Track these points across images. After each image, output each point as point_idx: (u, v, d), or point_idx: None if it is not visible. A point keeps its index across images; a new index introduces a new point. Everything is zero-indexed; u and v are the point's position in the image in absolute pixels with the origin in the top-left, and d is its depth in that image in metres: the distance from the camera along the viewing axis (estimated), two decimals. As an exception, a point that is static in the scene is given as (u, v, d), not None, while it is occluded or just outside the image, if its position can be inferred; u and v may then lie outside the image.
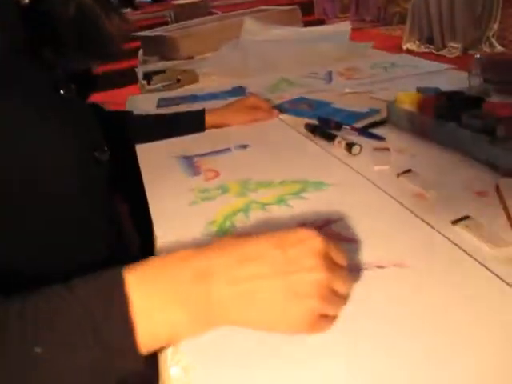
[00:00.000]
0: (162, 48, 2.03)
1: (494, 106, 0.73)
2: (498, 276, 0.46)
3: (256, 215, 0.60)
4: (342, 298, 0.41)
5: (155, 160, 0.85)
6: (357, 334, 0.40)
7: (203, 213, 0.62)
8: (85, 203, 0.60)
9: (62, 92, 0.56)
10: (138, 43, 2.20)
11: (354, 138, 0.83)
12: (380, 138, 0.81)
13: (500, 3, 5.02)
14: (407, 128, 0.83)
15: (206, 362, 0.39)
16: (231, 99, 1.07)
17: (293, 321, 0.37)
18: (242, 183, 0.69)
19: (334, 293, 0.39)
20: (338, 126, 0.87)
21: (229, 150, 0.84)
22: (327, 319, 0.40)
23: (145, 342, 0.35)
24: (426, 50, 5.32)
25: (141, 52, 2.22)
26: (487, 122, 0.70)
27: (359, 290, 0.45)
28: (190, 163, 0.80)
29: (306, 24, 4.43)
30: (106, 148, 0.60)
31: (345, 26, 2.16)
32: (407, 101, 0.84)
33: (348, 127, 0.86)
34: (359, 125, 0.89)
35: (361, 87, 1.18)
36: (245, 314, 0.37)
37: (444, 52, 5.15)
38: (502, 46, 5.06)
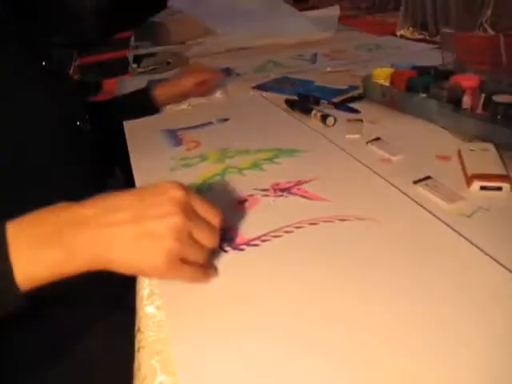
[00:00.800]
0: (153, 33, 2.05)
1: (459, 78, 0.76)
2: (451, 227, 0.50)
3: (232, 178, 0.64)
4: (203, 247, 0.43)
5: (141, 134, 0.89)
6: (320, 281, 0.44)
7: (182, 177, 0.66)
8: (72, 175, 0.64)
9: (44, 63, 0.60)
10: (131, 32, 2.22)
11: (332, 111, 0.87)
12: (355, 111, 0.85)
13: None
14: (380, 101, 0.87)
15: (178, 304, 0.43)
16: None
17: (151, 261, 0.40)
18: (220, 151, 0.73)
19: (194, 239, 0.41)
20: (317, 101, 0.91)
21: (211, 123, 0.88)
22: (189, 264, 0.42)
23: (23, 280, 0.39)
24: (420, 36, 5.35)
25: (132, 38, 2.24)
26: (452, 93, 0.74)
27: (320, 240, 0.49)
28: (174, 135, 0.84)
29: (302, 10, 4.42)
30: (87, 117, 0.64)
31: (334, 10, 2.19)
32: (381, 75, 0.87)
33: (325, 102, 0.90)
34: (341, 98, 0.93)
35: (343, 66, 1.22)
36: (110, 255, 0.40)
37: (437, 38, 5.17)
38: (496, 31, 5.10)
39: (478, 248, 0.46)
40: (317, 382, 0.33)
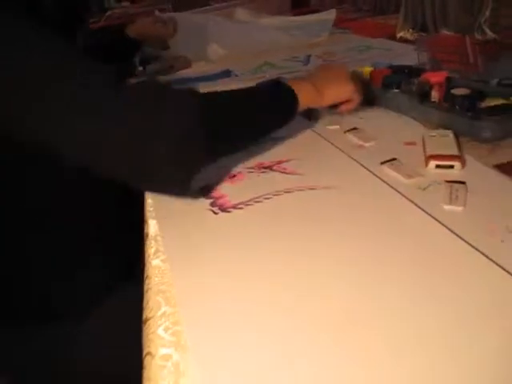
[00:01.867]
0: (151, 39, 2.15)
1: (428, 75, 0.86)
2: (407, 198, 0.60)
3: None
4: None
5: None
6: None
7: None
8: None
9: None
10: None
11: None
12: (337, 105, 0.95)
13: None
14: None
15: (178, 257, 0.54)
16: (220, 80, 1.24)
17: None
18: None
19: None
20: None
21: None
22: None
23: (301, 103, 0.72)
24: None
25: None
26: (421, 88, 0.84)
27: (293, 204, 0.60)
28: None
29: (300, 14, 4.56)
30: None
31: (329, 14, 2.28)
32: (362, 73, 0.98)
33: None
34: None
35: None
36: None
37: (436, 39, 5.26)
38: (494, 32, 5.18)
39: (427, 213, 0.56)
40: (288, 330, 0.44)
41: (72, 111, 0.50)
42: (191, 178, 0.55)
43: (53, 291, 0.71)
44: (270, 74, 1.33)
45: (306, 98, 0.74)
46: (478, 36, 5.69)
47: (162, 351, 0.42)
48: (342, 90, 0.82)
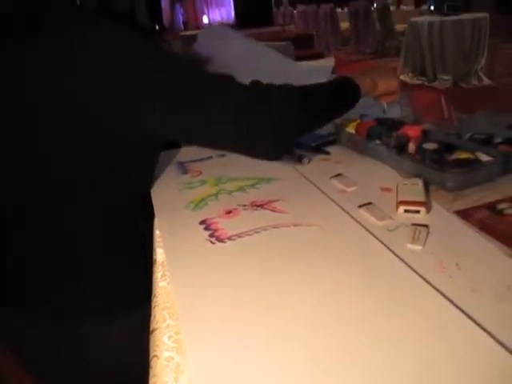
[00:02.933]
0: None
1: (406, 129, 0.98)
2: (377, 238, 0.71)
3: (223, 197, 0.87)
4: None
5: (160, 164, 1.11)
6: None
7: (186, 196, 0.90)
8: None
9: None
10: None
11: (309, 153, 1.09)
12: (326, 153, 1.07)
13: (487, 40, 5.34)
14: (348, 145, 1.09)
15: (181, 280, 0.65)
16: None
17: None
18: (216, 179, 0.96)
19: None
20: (298, 145, 1.13)
21: (211, 157, 1.11)
22: None
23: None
24: (419, 82, 5.65)
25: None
26: (398, 141, 0.96)
27: (278, 238, 0.71)
28: (183, 166, 1.07)
29: (306, 58, 4.78)
30: None
31: (329, 61, 2.44)
32: (350, 125, 1.10)
33: (305, 146, 1.12)
34: (318, 143, 1.15)
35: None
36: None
37: (435, 84, 5.45)
38: (490, 79, 5.38)
39: (391, 251, 0.67)
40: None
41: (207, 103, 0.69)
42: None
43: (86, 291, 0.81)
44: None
45: (364, 88, 0.95)
46: (474, 82, 5.91)
47: (166, 354, 0.52)
48: (390, 84, 1.02)
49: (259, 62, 2.11)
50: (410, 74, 5.80)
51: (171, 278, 0.65)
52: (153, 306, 0.62)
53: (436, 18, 5.44)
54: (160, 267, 0.69)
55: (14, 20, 0.68)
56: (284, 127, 0.75)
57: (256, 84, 0.76)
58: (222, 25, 2.18)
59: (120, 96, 0.66)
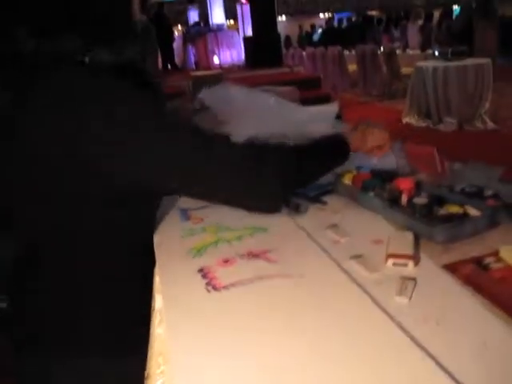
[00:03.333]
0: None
1: (399, 181, 1.03)
2: (364, 290, 0.75)
3: (222, 246, 0.92)
4: None
5: (164, 209, 1.17)
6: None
7: (188, 243, 0.95)
8: None
9: None
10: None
11: (307, 202, 1.14)
12: (324, 203, 1.12)
13: (491, 84, 5.44)
14: (345, 195, 1.13)
15: (176, 327, 0.68)
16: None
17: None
18: (216, 227, 1.01)
19: None
20: (296, 194, 1.18)
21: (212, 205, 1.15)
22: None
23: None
24: (424, 124, 5.72)
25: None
26: (391, 193, 1.00)
27: (269, 287, 0.75)
28: (185, 213, 1.11)
29: (312, 99, 4.90)
30: None
31: (333, 107, 2.50)
32: (347, 177, 1.14)
33: (303, 195, 1.17)
34: (316, 192, 1.20)
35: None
36: None
37: (440, 126, 5.53)
38: (494, 122, 5.45)
39: (377, 304, 0.71)
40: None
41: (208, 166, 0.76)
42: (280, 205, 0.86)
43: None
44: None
45: (354, 144, 1.01)
46: (479, 125, 5.98)
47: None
48: (380, 138, 1.05)
49: (262, 109, 2.19)
50: (416, 117, 5.89)
51: (166, 325, 0.69)
52: (149, 352, 0.66)
53: (440, 63, 5.56)
54: (158, 314, 0.73)
55: (18, 70, 0.74)
56: (282, 190, 0.83)
57: (252, 146, 0.82)
58: (224, 84, 2.26)
59: (131, 162, 0.72)
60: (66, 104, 0.70)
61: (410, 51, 8.89)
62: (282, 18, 21.65)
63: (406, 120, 5.97)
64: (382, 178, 1.09)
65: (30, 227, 0.81)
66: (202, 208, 1.15)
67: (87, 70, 0.77)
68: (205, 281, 0.79)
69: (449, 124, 5.46)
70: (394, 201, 0.99)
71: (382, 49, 8.68)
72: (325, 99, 5.75)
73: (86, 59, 0.79)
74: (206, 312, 0.71)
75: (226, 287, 0.77)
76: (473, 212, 0.94)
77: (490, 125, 5.36)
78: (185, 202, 1.21)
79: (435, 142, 4.17)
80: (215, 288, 0.77)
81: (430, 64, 5.76)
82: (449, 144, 4.67)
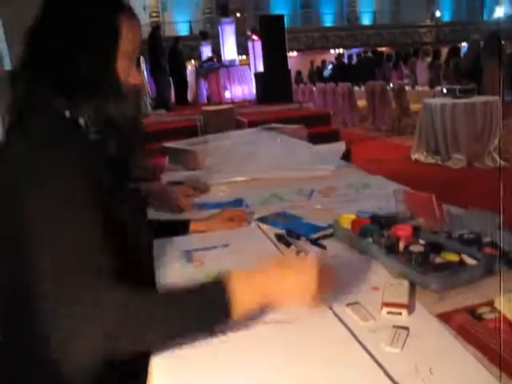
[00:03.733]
0: (184, 158, 2.43)
1: (397, 228, 1.05)
2: (357, 339, 0.76)
3: None
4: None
5: (167, 252, 1.19)
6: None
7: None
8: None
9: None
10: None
11: (307, 245, 1.16)
12: (323, 247, 1.14)
13: (500, 121, 5.47)
14: (343, 240, 1.16)
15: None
16: (231, 208, 1.46)
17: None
18: (217, 272, 1.02)
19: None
20: (298, 237, 1.21)
21: (215, 247, 1.18)
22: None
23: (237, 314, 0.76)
24: (433, 161, 5.74)
25: (167, 159, 2.63)
26: (389, 240, 1.02)
27: (264, 338, 0.77)
28: (188, 255, 1.14)
29: (321, 135, 4.96)
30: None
31: (340, 146, 2.55)
32: (346, 221, 1.17)
33: (304, 238, 1.20)
34: (316, 235, 1.22)
35: (330, 205, 1.52)
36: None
37: (449, 163, 5.54)
38: (505, 160, 5.45)
39: (368, 352, 0.72)
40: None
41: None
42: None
43: None
44: (275, 207, 1.53)
45: (248, 301, 0.78)
46: (488, 162, 5.99)
47: None
48: (296, 296, 0.81)
49: (269, 148, 2.24)
50: (425, 153, 5.92)
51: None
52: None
53: (448, 101, 5.62)
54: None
55: None
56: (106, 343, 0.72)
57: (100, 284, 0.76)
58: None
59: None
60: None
61: (419, 87, 8.97)
62: (293, 53, 22.03)
63: (414, 156, 5.99)
64: (381, 224, 1.11)
65: None
66: (205, 250, 1.18)
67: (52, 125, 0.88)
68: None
69: (457, 161, 5.48)
70: (391, 248, 1.01)
71: (391, 85, 8.78)
72: (334, 135, 5.81)
73: (67, 113, 0.90)
74: (202, 357, 0.73)
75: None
76: (469, 260, 0.95)
77: (500, 162, 5.37)
78: (190, 242, 1.25)
79: (443, 178, 4.19)
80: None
81: (438, 101, 5.82)
82: (457, 181, 4.69)
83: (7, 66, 3.81)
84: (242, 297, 0.77)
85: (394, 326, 0.79)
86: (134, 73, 0.99)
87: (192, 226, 1.33)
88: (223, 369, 0.71)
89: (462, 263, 0.94)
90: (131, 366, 0.91)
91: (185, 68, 11.29)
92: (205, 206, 1.62)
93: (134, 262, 0.94)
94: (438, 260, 0.95)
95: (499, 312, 0.82)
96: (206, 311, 0.77)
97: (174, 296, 0.79)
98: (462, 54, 8.66)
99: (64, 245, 0.76)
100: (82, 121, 0.90)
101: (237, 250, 1.17)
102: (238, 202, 1.65)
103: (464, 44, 12.62)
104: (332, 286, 0.82)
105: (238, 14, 14.93)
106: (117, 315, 0.72)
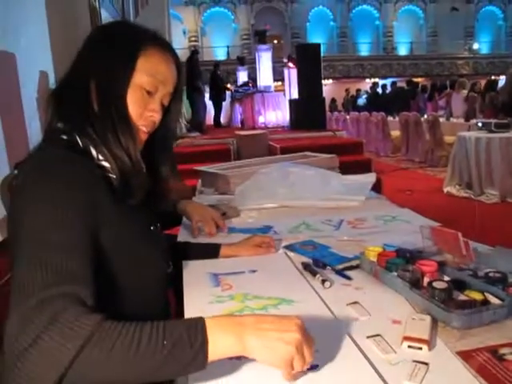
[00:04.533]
0: (216, 182, 2.49)
1: (422, 263, 1.07)
2: (377, 371, 0.78)
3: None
4: (306, 360, 0.73)
5: (195, 273, 1.23)
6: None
7: (216, 309, 1.01)
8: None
9: (152, 228, 1.00)
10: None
11: (333, 275, 1.18)
12: (348, 278, 1.16)
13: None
14: (369, 272, 1.18)
15: None
16: (259, 233, 1.49)
17: (278, 357, 0.71)
18: (244, 295, 1.07)
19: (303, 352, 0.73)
20: (324, 266, 1.23)
21: (243, 272, 1.22)
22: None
23: (211, 357, 0.70)
24: (465, 195, 5.67)
25: (199, 182, 2.70)
26: (413, 275, 1.04)
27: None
28: (216, 278, 1.18)
29: (354, 163, 4.96)
30: (170, 263, 1.04)
31: (370, 177, 2.57)
32: (371, 254, 1.19)
33: (330, 268, 1.22)
34: (342, 266, 1.25)
35: (358, 236, 1.54)
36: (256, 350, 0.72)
37: (482, 198, 5.46)
38: (538, 197, 5.35)
39: (388, 385, 0.74)
40: None
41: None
42: None
43: None
44: (304, 235, 1.57)
45: (222, 348, 0.72)
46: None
47: None
48: (275, 352, 0.72)
49: (301, 176, 2.27)
50: (457, 186, 5.86)
51: None
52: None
53: (483, 134, 5.58)
54: None
55: None
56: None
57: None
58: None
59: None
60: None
61: (453, 120, 8.91)
62: (328, 81, 22.19)
63: (447, 189, 5.94)
64: (407, 258, 1.13)
65: None
66: (233, 274, 1.21)
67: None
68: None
69: (491, 196, 5.40)
70: (415, 282, 1.02)
71: (425, 116, 8.75)
72: (366, 164, 5.82)
73: (78, 140, 0.94)
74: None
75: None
76: (493, 300, 0.96)
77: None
78: (215, 266, 1.29)
79: (475, 213, 4.15)
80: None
81: (472, 134, 5.77)
82: (489, 216, 4.61)
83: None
84: (220, 331, 0.72)
85: (414, 361, 0.81)
86: (151, 106, 0.99)
87: (221, 251, 1.37)
88: None
89: (485, 302, 0.95)
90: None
91: (223, 93, 11.57)
92: (233, 231, 1.67)
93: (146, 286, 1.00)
94: (461, 297, 0.96)
95: (521, 353, 0.83)
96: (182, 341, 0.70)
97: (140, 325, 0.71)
98: (498, 88, 8.58)
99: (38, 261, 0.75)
100: (92, 149, 0.94)
101: (263, 275, 1.20)
102: (267, 229, 1.68)
103: (502, 77, 12.49)
104: (311, 352, 0.75)
105: (275, 41, 15.18)
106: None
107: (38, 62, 4.12)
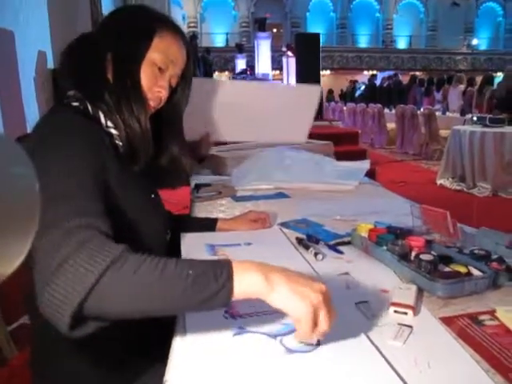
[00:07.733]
0: (212, 163, 2.52)
1: (410, 239, 1.12)
2: (364, 333, 0.83)
3: None
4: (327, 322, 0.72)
5: (192, 243, 1.28)
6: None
7: None
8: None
9: (152, 196, 1.05)
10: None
11: (325, 249, 1.23)
12: (340, 252, 1.21)
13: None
14: (360, 247, 1.23)
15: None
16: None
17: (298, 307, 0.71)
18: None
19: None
20: (317, 241, 1.28)
21: (239, 244, 1.27)
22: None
23: (236, 293, 0.71)
24: (458, 188, 5.75)
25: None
26: (402, 250, 1.09)
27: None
28: (212, 248, 1.23)
29: (348, 154, 4.99)
30: (169, 231, 1.07)
31: (364, 164, 2.61)
32: (363, 230, 1.24)
33: (323, 243, 1.27)
34: (335, 241, 1.30)
35: (351, 216, 1.59)
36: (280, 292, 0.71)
37: (474, 191, 5.54)
38: (531, 193, 5.42)
39: (373, 344, 0.79)
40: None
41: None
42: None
43: None
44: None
45: (248, 286, 0.72)
46: (515, 193, 5.76)
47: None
48: (301, 296, 0.71)
49: (296, 160, 2.32)
50: (450, 179, 5.93)
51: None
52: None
53: (478, 128, 5.63)
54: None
55: None
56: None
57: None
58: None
59: None
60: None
61: (449, 114, 8.97)
62: (326, 72, 22.15)
63: (440, 182, 6.00)
64: (396, 235, 1.18)
65: None
66: (229, 246, 1.26)
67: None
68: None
69: (483, 189, 5.48)
70: (403, 256, 1.08)
71: (421, 109, 8.80)
72: (361, 155, 5.86)
73: (89, 108, 0.99)
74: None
75: (243, 316, 0.87)
76: (476, 273, 1.02)
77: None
78: (212, 238, 1.33)
79: (467, 205, 4.20)
80: (233, 316, 0.87)
81: (467, 128, 5.83)
82: (480, 209, 4.68)
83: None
84: (245, 270, 0.74)
85: (399, 324, 0.86)
86: (160, 83, 1.05)
87: (218, 225, 1.42)
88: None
89: (468, 274, 1.00)
90: (151, 352, 1.01)
91: (210, 76, 11.59)
92: (250, 199, 1.81)
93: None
94: (446, 269, 1.02)
95: (500, 321, 0.88)
96: (207, 272, 0.71)
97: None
98: (495, 84, 8.64)
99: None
100: (101, 116, 1.00)
101: (259, 248, 1.25)
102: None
103: (499, 74, 12.54)
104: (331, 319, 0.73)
105: (275, 30, 15.14)
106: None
107: (36, 42, 4.12)
